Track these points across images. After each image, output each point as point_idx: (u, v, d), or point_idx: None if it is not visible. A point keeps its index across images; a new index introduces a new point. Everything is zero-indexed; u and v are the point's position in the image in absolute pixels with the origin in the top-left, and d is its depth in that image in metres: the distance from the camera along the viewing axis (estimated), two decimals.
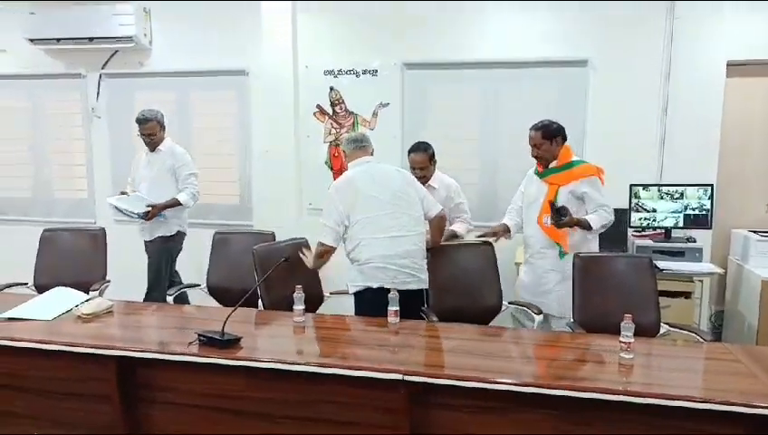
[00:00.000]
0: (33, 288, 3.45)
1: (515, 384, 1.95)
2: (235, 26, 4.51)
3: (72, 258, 3.55)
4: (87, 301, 2.79)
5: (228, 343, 2.23)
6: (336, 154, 4.55)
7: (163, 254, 4.00)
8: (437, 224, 3.05)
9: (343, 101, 4.48)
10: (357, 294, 2.88)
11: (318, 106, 4.52)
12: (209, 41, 4.59)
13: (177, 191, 3.95)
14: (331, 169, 4.56)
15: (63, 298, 2.83)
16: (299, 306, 2.58)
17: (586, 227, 3.01)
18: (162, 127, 3.97)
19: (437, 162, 3.48)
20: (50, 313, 2.66)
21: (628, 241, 3.86)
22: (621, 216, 3.82)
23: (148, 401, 2.35)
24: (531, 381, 1.96)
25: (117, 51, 4.71)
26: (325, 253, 2.88)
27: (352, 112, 4.49)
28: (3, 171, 5.12)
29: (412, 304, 2.81)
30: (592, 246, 3.16)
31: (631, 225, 3.85)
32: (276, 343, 2.54)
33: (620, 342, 2.13)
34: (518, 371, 2.09)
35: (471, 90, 4.26)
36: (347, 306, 2.98)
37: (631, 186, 3.84)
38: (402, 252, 2.80)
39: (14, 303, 2.80)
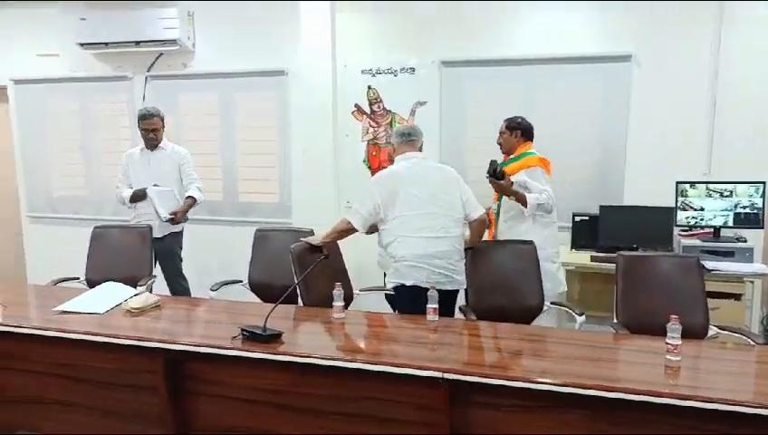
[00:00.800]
0: (85, 283, 3.59)
1: (557, 384, 1.92)
2: (274, 27, 4.59)
3: (120, 254, 3.68)
4: (135, 295, 2.89)
5: (270, 338, 2.27)
6: (374, 153, 4.58)
7: (176, 248, 4.14)
8: (477, 227, 3.06)
9: (381, 100, 4.50)
10: (395, 289, 2.93)
11: (356, 105, 4.55)
12: (249, 42, 4.69)
13: (182, 189, 4.03)
14: (369, 167, 4.59)
15: (113, 293, 2.94)
16: (338, 303, 2.60)
17: (522, 200, 3.17)
18: (163, 125, 4.04)
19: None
20: (101, 306, 2.76)
21: (675, 240, 3.75)
22: (667, 214, 3.73)
23: (194, 394, 2.42)
24: (572, 382, 1.92)
25: (162, 53, 4.85)
26: (347, 232, 2.97)
27: (390, 111, 4.50)
28: (57, 171, 5.33)
29: (445, 303, 2.77)
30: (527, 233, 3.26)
31: (678, 223, 3.73)
32: (316, 338, 2.58)
33: (667, 344, 2.08)
34: (560, 371, 2.06)
35: (510, 87, 4.21)
36: (377, 304, 3.01)
37: (677, 183, 3.73)
38: (437, 253, 2.82)
39: (68, 296, 2.92)
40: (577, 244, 3.91)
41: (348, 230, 2.96)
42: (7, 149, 5.37)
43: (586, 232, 3.87)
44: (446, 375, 2.01)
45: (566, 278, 3.84)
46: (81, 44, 4.79)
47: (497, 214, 3.46)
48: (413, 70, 4.39)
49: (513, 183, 3.17)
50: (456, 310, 3.04)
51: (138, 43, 4.67)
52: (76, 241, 3.95)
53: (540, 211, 3.22)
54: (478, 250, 3.13)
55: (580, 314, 2.89)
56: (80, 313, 2.71)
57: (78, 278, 3.65)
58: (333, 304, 2.60)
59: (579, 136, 4.09)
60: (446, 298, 2.81)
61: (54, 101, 5.24)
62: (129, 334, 2.42)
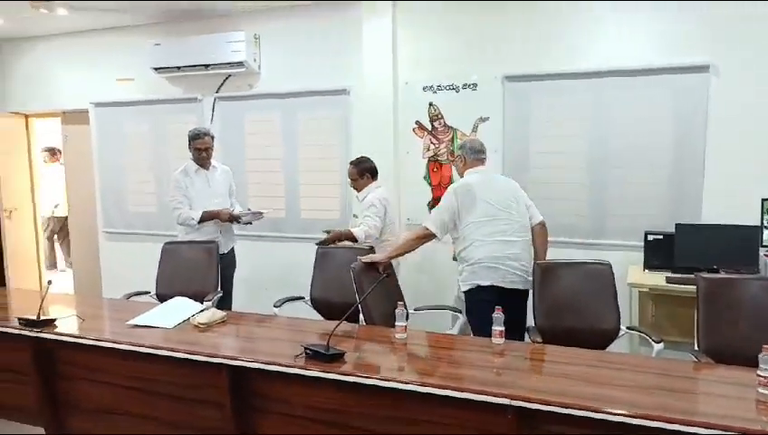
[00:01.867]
0: (155, 297, 3.72)
1: (633, 416, 1.80)
2: (337, 47, 4.66)
3: (188, 270, 3.79)
4: (202, 311, 2.96)
5: (333, 358, 2.26)
6: (435, 169, 4.53)
7: (234, 262, 4.31)
8: (543, 232, 3.30)
9: (442, 117, 4.46)
10: (468, 292, 3.10)
11: (417, 122, 4.54)
12: (313, 62, 4.77)
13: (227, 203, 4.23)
14: (430, 184, 4.54)
15: (182, 307, 3.03)
16: (401, 323, 2.57)
17: None
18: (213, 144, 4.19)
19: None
20: (170, 321, 2.84)
21: (761, 262, 3.48)
22: (752, 233, 3.48)
23: (258, 410, 2.43)
24: (651, 414, 1.80)
25: (229, 75, 5.03)
26: (425, 237, 3.15)
27: (451, 127, 4.45)
28: (130, 188, 5.59)
29: (517, 303, 3.05)
30: None
31: (764, 244, 3.47)
32: (379, 359, 2.53)
33: (759, 376, 1.91)
34: (636, 401, 1.93)
35: (577, 101, 4.06)
36: (432, 323, 2.93)
37: (763, 200, 3.47)
38: (511, 254, 3.05)
39: (139, 310, 3.03)
40: (650, 264, 3.70)
41: (426, 237, 3.16)
42: (89, 168, 5.70)
43: (660, 252, 3.66)
44: (514, 402, 1.93)
45: (638, 300, 3.67)
46: (156, 69, 5.03)
47: None
48: (475, 85, 4.33)
49: None
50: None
51: (207, 66, 4.87)
52: (148, 256, 4.11)
53: None
54: (547, 269, 3.05)
55: (658, 341, 2.71)
56: (150, 327, 2.80)
57: (149, 292, 3.80)
58: (396, 323, 2.57)
59: (651, 151, 3.90)
60: (520, 298, 3.09)
61: (129, 122, 5.51)
62: (197, 349, 2.47)
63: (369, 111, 4.56)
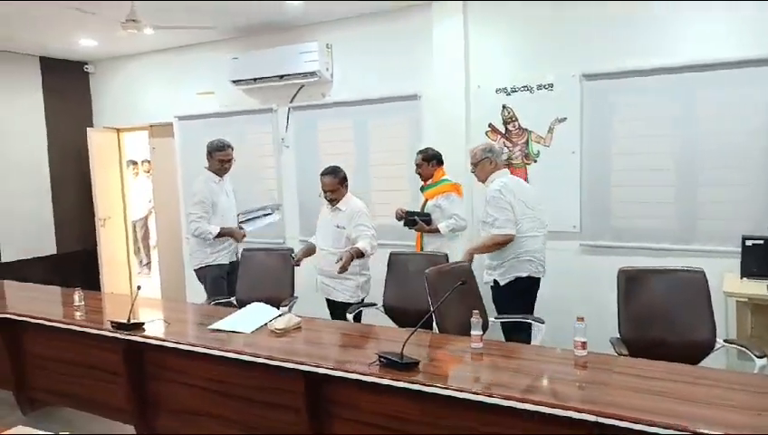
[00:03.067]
0: (234, 301, 3.84)
1: None
2: (407, 53, 4.66)
3: (265, 276, 3.89)
4: (279, 316, 3.02)
5: (407, 367, 2.23)
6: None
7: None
8: None
9: (516, 119, 4.34)
10: (507, 285, 3.40)
11: (490, 125, 4.44)
12: (384, 69, 4.80)
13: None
14: None
15: (259, 313, 3.10)
16: (476, 332, 2.50)
17: (435, 231, 3.88)
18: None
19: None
20: (248, 326, 2.92)
21: None
22: None
23: (332, 416, 2.45)
24: None
25: (303, 85, 5.14)
26: (505, 242, 3.35)
27: (526, 129, 4.32)
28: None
29: (536, 289, 3.52)
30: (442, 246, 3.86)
31: None
32: (453, 369, 2.48)
33: None
34: (737, 422, 1.76)
35: (663, 98, 3.82)
36: None
37: None
38: (537, 248, 3.45)
39: (220, 315, 3.13)
40: (748, 271, 3.42)
41: (507, 241, 3.35)
42: (174, 177, 6.01)
43: (760, 258, 3.37)
44: (601, 420, 1.82)
45: (736, 311, 3.39)
46: (234, 81, 5.23)
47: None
48: (551, 86, 4.18)
49: (426, 224, 3.91)
50: (606, 342, 2.79)
51: (282, 77, 5.00)
52: None
53: (455, 232, 3.89)
54: (633, 277, 2.88)
55: (761, 356, 2.47)
56: (230, 331, 2.89)
57: (229, 297, 3.92)
58: (471, 332, 2.50)
59: (747, 149, 3.60)
60: (538, 285, 3.51)
61: (209, 133, 5.69)
62: (274, 355, 2.52)
63: (440, 116, 4.52)
